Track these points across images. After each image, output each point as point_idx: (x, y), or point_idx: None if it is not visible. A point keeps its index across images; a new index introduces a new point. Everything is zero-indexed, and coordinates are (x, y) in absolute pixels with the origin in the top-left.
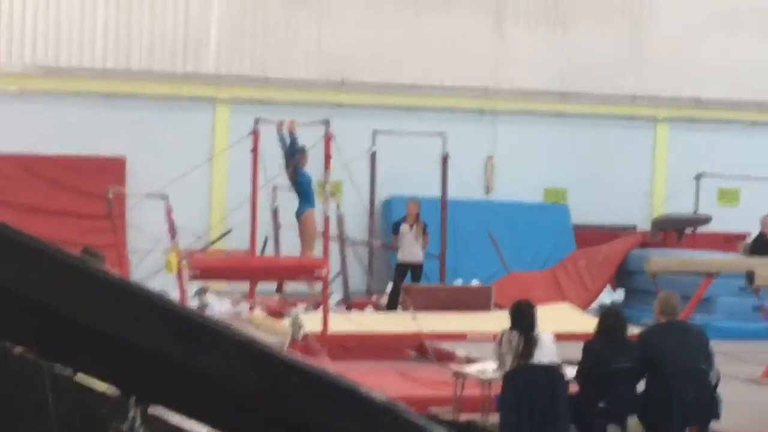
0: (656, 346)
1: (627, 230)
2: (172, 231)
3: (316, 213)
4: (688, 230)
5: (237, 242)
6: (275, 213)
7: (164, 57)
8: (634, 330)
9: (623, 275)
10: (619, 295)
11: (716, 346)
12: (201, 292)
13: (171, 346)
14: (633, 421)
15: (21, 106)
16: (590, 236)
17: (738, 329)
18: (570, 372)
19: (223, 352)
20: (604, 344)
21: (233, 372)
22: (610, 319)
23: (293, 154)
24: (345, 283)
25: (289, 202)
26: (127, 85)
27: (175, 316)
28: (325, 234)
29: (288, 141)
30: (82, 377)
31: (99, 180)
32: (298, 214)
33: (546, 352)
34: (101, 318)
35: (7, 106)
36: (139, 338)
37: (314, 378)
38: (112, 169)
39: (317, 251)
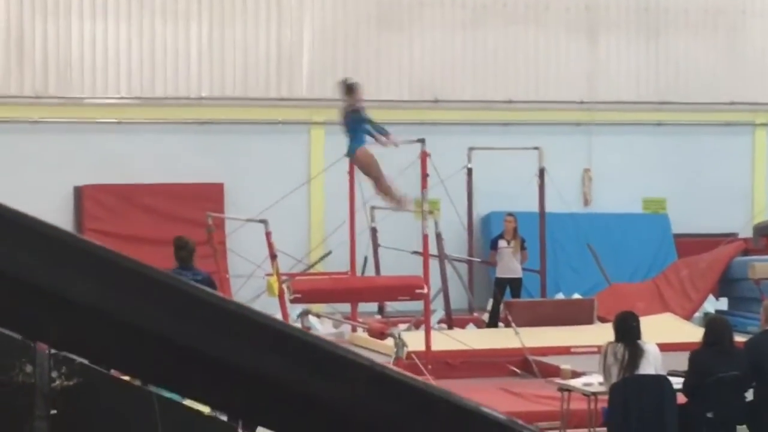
0: (763, 353)
1: (728, 237)
2: (272, 255)
3: (415, 230)
4: None
5: (336, 264)
6: (374, 233)
7: (258, 83)
8: (739, 338)
9: (726, 283)
10: (722, 303)
11: None
12: (303, 314)
13: (287, 372)
14: (742, 430)
15: (118, 137)
16: (691, 245)
17: None
18: (676, 383)
19: (344, 378)
20: (710, 354)
21: (356, 397)
22: (716, 328)
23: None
24: (446, 300)
25: (387, 221)
26: (222, 112)
27: (290, 340)
28: (425, 252)
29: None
30: (190, 402)
31: (198, 207)
32: (351, 153)
33: (652, 363)
34: (215, 345)
35: (104, 136)
36: (254, 363)
37: (439, 400)
38: (211, 195)
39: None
